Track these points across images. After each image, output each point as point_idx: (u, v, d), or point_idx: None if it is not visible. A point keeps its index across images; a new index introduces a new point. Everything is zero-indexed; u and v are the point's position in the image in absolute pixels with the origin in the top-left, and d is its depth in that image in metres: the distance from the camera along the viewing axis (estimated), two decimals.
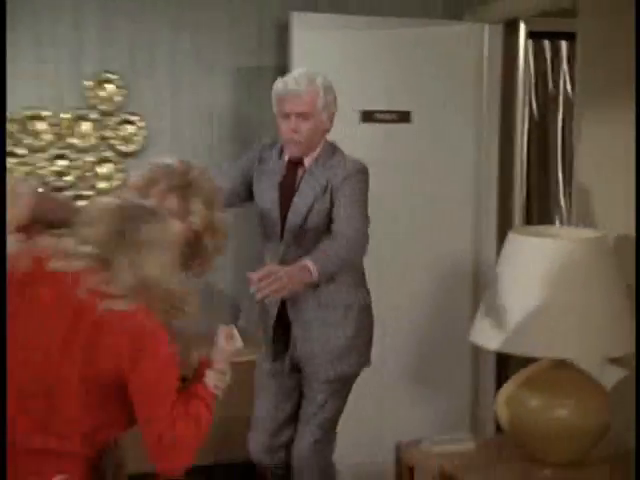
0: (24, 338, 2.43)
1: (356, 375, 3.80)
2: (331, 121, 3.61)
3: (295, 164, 3.63)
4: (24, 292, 2.46)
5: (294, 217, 3.57)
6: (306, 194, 3.56)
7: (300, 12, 4.69)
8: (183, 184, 2.81)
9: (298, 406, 3.82)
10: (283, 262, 3.49)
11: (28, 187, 2.79)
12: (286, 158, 3.65)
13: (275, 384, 3.81)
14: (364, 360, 3.81)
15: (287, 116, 3.53)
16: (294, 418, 3.82)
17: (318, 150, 3.60)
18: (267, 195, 3.66)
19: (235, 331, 2.75)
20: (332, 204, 3.55)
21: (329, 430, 3.76)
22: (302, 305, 3.63)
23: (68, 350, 2.40)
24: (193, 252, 2.80)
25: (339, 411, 3.77)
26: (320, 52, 4.65)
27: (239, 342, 2.73)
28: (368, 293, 3.82)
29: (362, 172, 3.58)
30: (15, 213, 2.62)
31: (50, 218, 2.69)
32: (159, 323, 2.46)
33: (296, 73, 3.60)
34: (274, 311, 3.69)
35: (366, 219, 3.57)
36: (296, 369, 3.77)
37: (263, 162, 3.71)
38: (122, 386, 2.43)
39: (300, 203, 3.56)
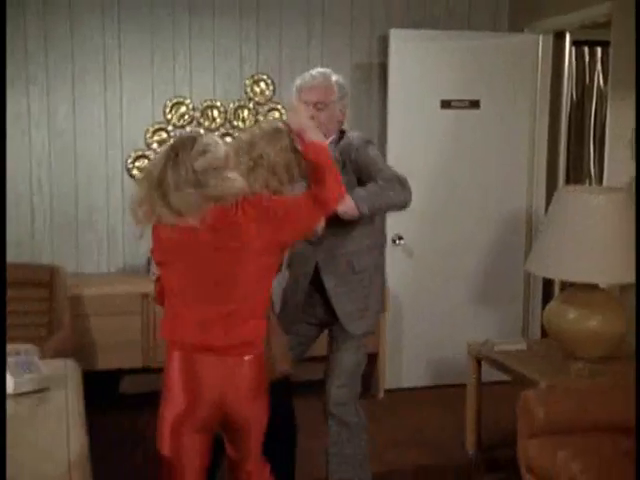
0: None
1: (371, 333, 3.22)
2: (344, 114, 3.11)
3: None
4: None
5: None
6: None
7: (396, 29, 4.69)
8: None
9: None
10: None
11: None
12: None
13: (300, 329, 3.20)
14: (376, 320, 3.28)
15: (306, 104, 3.03)
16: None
17: (334, 136, 3.08)
18: None
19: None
20: (347, 173, 2.94)
21: (351, 377, 3.14)
22: (334, 268, 3.07)
23: None
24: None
25: (358, 364, 3.16)
26: (411, 56, 4.63)
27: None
28: (384, 257, 3.29)
29: (370, 141, 3.09)
30: None
31: None
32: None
33: (314, 71, 3.14)
34: (310, 269, 3.10)
35: (390, 170, 2.98)
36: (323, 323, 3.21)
37: None
38: None
39: None
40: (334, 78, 3.09)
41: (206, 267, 2.34)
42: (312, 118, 2.91)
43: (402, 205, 2.97)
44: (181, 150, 2.29)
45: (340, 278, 3.07)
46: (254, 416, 2.47)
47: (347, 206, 2.79)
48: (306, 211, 2.40)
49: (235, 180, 2.31)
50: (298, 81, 3.10)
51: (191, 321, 2.35)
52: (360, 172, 2.99)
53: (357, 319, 3.09)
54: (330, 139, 3.04)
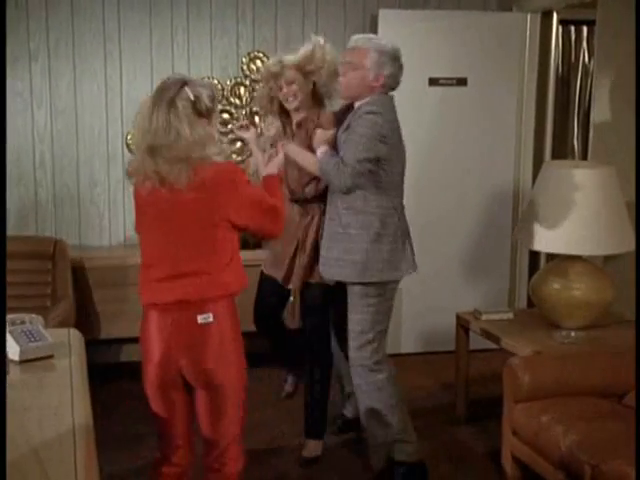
0: None
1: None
2: (377, 79, 3.07)
3: (348, 110, 3.23)
4: None
5: (337, 143, 3.18)
6: (341, 126, 3.18)
7: (385, 9, 4.66)
8: None
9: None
10: None
11: None
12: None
13: None
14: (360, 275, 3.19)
15: (341, 64, 3.15)
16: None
17: (367, 99, 3.09)
18: None
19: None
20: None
21: (360, 334, 3.18)
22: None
23: None
24: None
25: (359, 322, 3.18)
26: (400, 36, 4.43)
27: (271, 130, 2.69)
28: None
29: (371, 112, 3.04)
30: None
31: None
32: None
33: (357, 35, 3.22)
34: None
35: (354, 154, 3.00)
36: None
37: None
38: None
39: (338, 134, 3.18)
40: (379, 46, 3.08)
41: (169, 226, 2.35)
42: (342, 75, 3.12)
43: (334, 185, 3.10)
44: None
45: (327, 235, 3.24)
46: (219, 382, 2.36)
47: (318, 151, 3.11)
48: (261, 210, 2.41)
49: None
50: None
51: (154, 280, 2.37)
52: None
53: (331, 266, 3.19)
54: (362, 102, 3.10)
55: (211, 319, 2.32)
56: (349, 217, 3.12)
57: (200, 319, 2.32)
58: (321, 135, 3.20)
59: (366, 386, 3.21)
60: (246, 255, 2.78)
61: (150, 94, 2.40)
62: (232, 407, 2.42)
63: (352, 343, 3.20)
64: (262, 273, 3.54)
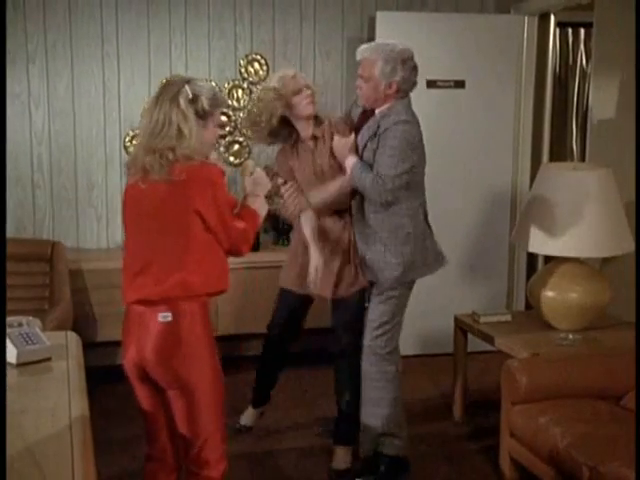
0: None
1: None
2: (390, 86, 3.09)
3: (367, 114, 3.23)
4: None
5: (358, 150, 3.18)
6: (363, 134, 3.17)
7: (383, 11, 4.66)
8: None
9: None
10: None
11: None
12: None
13: None
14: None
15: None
16: None
17: (387, 105, 3.12)
18: None
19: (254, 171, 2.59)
20: (372, 143, 3.13)
21: (381, 325, 3.27)
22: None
23: None
24: None
25: (382, 313, 3.27)
26: (397, 38, 4.37)
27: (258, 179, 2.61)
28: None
29: (401, 123, 3.07)
30: None
31: None
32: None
33: (370, 44, 3.22)
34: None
35: (392, 168, 3.04)
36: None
37: (355, 107, 3.38)
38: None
39: (359, 140, 3.19)
40: (385, 54, 3.08)
41: (145, 223, 2.37)
42: (358, 88, 3.17)
43: (372, 199, 3.12)
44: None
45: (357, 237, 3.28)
46: (182, 383, 2.35)
47: (347, 167, 3.14)
48: (227, 223, 2.37)
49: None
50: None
51: (128, 277, 2.42)
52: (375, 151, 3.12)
53: (366, 269, 3.26)
54: (383, 108, 3.12)
55: (170, 318, 2.32)
56: (379, 219, 3.17)
57: (160, 317, 2.32)
58: (342, 143, 3.17)
59: (375, 374, 3.26)
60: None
61: (148, 96, 2.43)
62: (199, 408, 2.38)
63: (370, 332, 3.25)
64: (281, 289, 3.51)
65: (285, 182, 3.30)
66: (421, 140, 3.17)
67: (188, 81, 2.35)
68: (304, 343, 3.97)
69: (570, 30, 5.53)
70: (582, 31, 5.52)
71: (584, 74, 5.54)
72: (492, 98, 4.81)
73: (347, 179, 3.15)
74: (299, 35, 4.80)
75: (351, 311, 3.32)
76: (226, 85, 4.71)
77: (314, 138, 3.30)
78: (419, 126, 3.16)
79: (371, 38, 4.73)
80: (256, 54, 4.73)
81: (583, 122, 5.42)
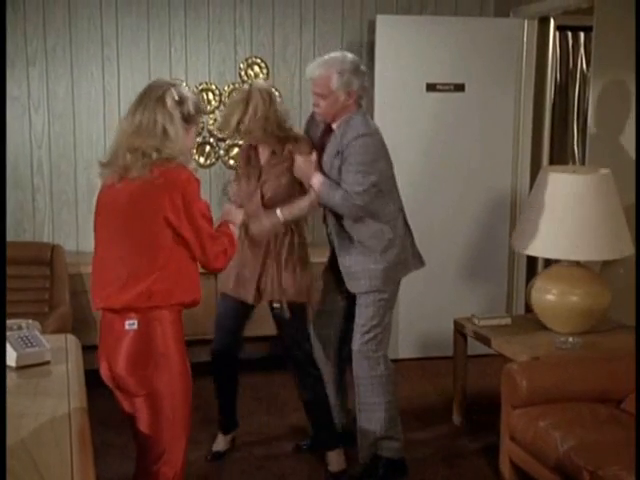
0: None
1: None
2: (350, 96, 3.11)
3: (328, 131, 3.25)
4: None
5: (324, 167, 3.19)
6: (329, 152, 3.18)
7: (383, 15, 4.67)
8: None
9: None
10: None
11: None
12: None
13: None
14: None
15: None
16: None
17: (344, 117, 3.14)
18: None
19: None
20: (336, 158, 3.14)
21: (372, 328, 3.27)
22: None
23: None
24: None
25: (371, 317, 3.27)
26: (397, 41, 4.62)
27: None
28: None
29: (360, 137, 3.08)
30: None
31: None
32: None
33: (317, 61, 3.17)
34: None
35: (358, 185, 3.05)
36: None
37: (313, 124, 3.38)
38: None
39: (325, 158, 3.20)
40: (337, 66, 3.09)
41: (114, 225, 2.35)
42: (315, 106, 3.17)
43: (345, 215, 3.16)
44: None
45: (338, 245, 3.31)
46: (145, 392, 2.31)
47: (315, 189, 3.14)
48: (202, 236, 2.33)
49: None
50: (307, 71, 3.20)
51: (96, 282, 2.38)
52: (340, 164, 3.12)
53: (349, 278, 3.28)
54: (340, 122, 3.14)
55: (135, 326, 2.28)
56: (357, 228, 3.19)
57: (127, 325, 2.28)
58: (305, 163, 3.18)
59: (369, 379, 3.27)
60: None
61: None
62: (163, 418, 2.34)
63: (360, 336, 3.25)
64: (222, 295, 3.44)
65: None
66: (383, 146, 3.17)
67: (173, 85, 2.35)
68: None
69: (570, 34, 5.53)
70: (582, 35, 5.53)
71: (584, 78, 5.54)
72: (492, 101, 4.82)
73: (314, 196, 3.15)
74: (299, 38, 4.81)
75: (295, 323, 3.31)
76: (226, 88, 4.71)
77: (273, 153, 3.28)
78: (379, 134, 3.17)
79: (371, 42, 4.77)
80: (256, 57, 4.75)
81: (584, 126, 5.41)
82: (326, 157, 3.19)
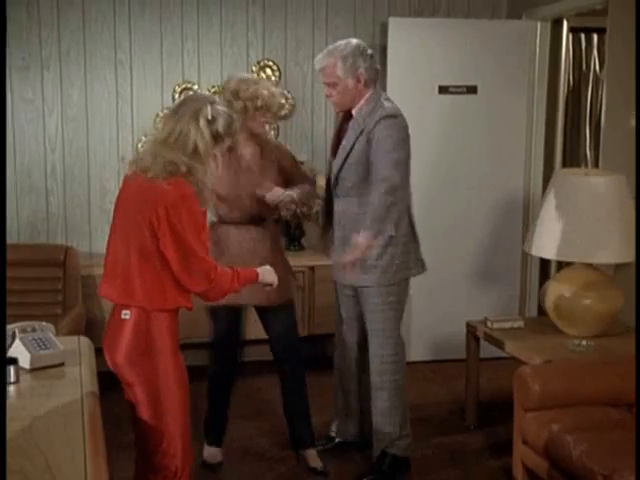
0: None
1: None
2: (358, 80, 3.12)
3: (347, 115, 3.26)
4: None
5: (342, 152, 3.20)
6: (349, 137, 3.18)
7: (395, 17, 4.68)
8: None
9: None
10: (333, 187, 3.28)
11: None
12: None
13: None
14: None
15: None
16: None
17: (362, 102, 3.15)
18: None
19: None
20: (369, 145, 3.12)
21: (391, 331, 3.31)
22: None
23: None
24: None
25: (385, 321, 3.29)
26: (409, 44, 4.62)
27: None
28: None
29: (389, 118, 3.10)
30: None
31: None
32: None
33: (323, 51, 3.22)
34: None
35: (390, 164, 3.05)
36: None
37: (338, 115, 3.45)
38: None
39: (344, 142, 3.20)
40: (339, 53, 3.12)
41: (118, 217, 2.43)
42: (328, 96, 3.19)
43: (391, 214, 3.12)
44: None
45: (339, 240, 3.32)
46: (141, 381, 2.36)
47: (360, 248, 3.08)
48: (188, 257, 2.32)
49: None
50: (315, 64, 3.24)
51: (104, 272, 2.49)
52: (368, 156, 3.11)
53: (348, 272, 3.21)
54: (358, 106, 3.15)
55: (128, 317, 2.36)
56: (363, 222, 3.13)
57: (122, 314, 2.38)
58: (280, 194, 3.15)
59: (386, 384, 3.28)
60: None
61: (161, 102, 2.44)
62: (154, 404, 2.38)
63: (377, 341, 3.26)
64: (214, 315, 3.37)
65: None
66: (409, 136, 3.17)
67: (212, 102, 2.38)
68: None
69: (583, 36, 5.51)
70: (595, 37, 5.50)
71: (597, 80, 5.52)
72: (504, 104, 4.80)
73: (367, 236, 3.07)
74: (311, 41, 4.81)
75: (284, 323, 3.33)
76: None
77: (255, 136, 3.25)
78: (405, 121, 3.17)
79: (383, 44, 4.76)
80: (268, 60, 4.76)
81: (597, 128, 5.39)
82: (345, 142, 3.18)
